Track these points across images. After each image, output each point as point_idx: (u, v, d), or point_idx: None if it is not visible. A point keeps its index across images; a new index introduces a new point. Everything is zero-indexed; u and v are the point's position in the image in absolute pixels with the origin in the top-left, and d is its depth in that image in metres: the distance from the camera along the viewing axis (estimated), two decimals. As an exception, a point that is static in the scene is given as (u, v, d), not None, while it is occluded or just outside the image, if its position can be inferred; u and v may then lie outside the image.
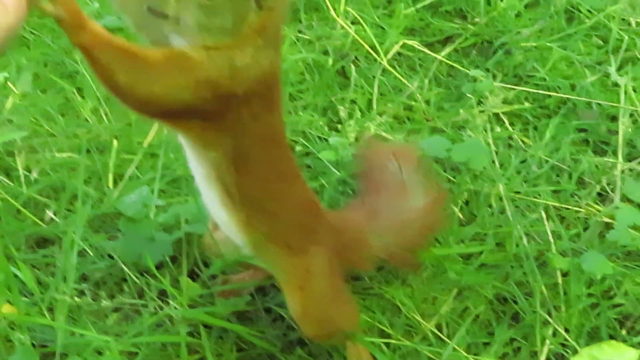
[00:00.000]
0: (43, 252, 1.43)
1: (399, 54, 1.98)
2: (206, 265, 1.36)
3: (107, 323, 1.29)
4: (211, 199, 1.06)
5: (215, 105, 0.94)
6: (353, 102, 1.83)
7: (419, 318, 1.32)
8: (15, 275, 1.26)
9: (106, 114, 1.76)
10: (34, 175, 1.59)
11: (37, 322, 1.21)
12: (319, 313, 1.12)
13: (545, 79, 1.89)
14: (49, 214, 1.51)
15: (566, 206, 1.56)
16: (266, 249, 1.10)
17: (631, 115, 1.77)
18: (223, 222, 1.10)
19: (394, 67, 1.92)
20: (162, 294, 1.33)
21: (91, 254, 1.41)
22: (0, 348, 1.16)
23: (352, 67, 1.91)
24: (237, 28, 0.89)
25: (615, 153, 1.69)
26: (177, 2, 0.86)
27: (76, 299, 1.30)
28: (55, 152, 1.64)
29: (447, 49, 1.99)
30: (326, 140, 1.71)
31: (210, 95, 0.92)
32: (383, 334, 1.30)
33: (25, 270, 1.27)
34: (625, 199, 1.57)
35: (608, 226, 1.50)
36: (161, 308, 1.29)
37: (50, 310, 1.30)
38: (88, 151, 1.63)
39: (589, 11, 2.10)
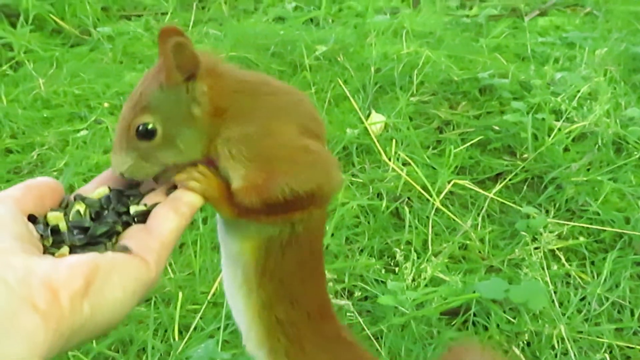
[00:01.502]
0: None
1: (451, 192, 2.03)
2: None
3: None
4: (233, 277, 0.98)
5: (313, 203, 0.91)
6: (408, 243, 1.87)
7: None
8: None
9: (170, 265, 1.83)
10: (104, 329, 1.64)
11: None
12: None
13: (598, 213, 1.91)
14: (118, 368, 1.55)
15: (630, 345, 1.55)
16: (274, 339, 1.00)
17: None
18: (239, 304, 1.00)
19: (446, 206, 1.97)
20: None
21: (159, 409, 1.44)
22: None
23: (406, 208, 1.96)
24: (199, 134, 0.87)
25: (676, 287, 1.68)
26: (146, 166, 0.85)
27: None
28: (124, 305, 1.70)
29: (498, 186, 2.03)
30: (384, 283, 1.74)
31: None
32: None
33: None
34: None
35: (676, 365, 1.48)
36: None
37: None
38: (154, 303, 1.68)
39: (637, 142, 2.13)
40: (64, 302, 0.64)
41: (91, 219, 0.78)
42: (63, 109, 2.44)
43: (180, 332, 1.65)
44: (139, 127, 0.84)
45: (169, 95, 0.84)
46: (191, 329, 1.64)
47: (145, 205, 0.80)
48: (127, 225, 0.78)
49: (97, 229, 0.77)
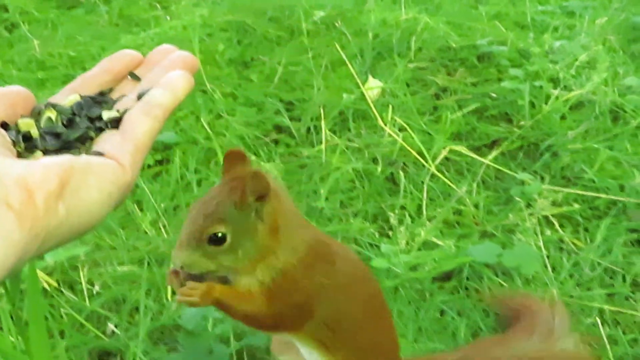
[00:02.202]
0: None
1: (447, 158, 2.02)
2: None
3: None
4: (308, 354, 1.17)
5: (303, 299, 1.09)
6: (403, 208, 1.87)
7: None
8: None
9: (164, 226, 1.83)
10: (97, 288, 1.65)
11: None
12: None
13: (593, 181, 1.91)
14: (111, 326, 1.56)
15: (621, 310, 1.55)
16: None
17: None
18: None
19: (442, 172, 1.97)
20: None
21: (151, 366, 1.45)
22: None
23: (401, 173, 1.96)
24: (258, 246, 1.04)
25: (669, 254, 1.69)
26: (207, 263, 1.03)
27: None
28: (117, 265, 1.70)
29: (494, 153, 2.03)
30: (377, 246, 1.75)
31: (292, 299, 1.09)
32: None
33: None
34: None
35: (666, 330, 1.49)
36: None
37: None
38: (147, 263, 1.69)
39: (634, 111, 2.13)
40: (39, 203, 0.63)
41: (63, 125, 0.77)
42: (58, 71, 2.43)
43: (172, 292, 1.65)
44: (212, 234, 1.00)
45: (241, 212, 1.01)
46: (184, 288, 1.64)
47: (118, 111, 0.79)
48: (100, 131, 0.77)
49: (70, 134, 0.76)
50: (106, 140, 0.75)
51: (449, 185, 1.93)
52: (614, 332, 1.49)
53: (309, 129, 2.13)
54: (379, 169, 1.98)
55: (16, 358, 1.11)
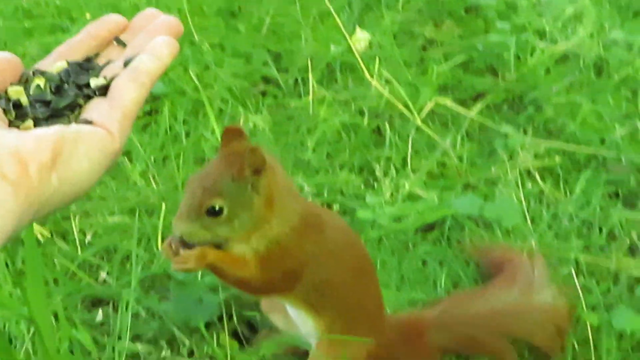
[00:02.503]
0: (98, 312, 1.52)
1: (432, 111, 2.05)
2: (250, 325, 1.44)
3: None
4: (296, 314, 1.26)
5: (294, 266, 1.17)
6: (388, 160, 1.91)
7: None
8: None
9: (154, 177, 1.87)
10: (88, 238, 1.69)
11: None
12: None
13: (575, 134, 1.95)
14: (103, 275, 1.60)
15: (597, 260, 1.61)
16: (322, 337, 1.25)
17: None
18: (304, 326, 1.26)
19: (427, 125, 2.00)
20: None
21: (144, 314, 1.49)
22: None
23: (387, 126, 1.99)
24: (253, 216, 1.11)
25: (645, 206, 1.74)
26: (205, 233, 1.11)
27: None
28: (108, 215, 1.74)
29: (479, 105, 2.06)
30: (363, 198, 1.79)
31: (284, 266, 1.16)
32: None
33: (84, 333, 1.35)
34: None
35: (638, 280, 1.55)
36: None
37: (106, 368, 1.39)
38: (137, 214, 1.72)
39: (618, 64, 2.16)
40: (33, 174, 0.66)
41: (52, 92, 0.79)
42: (45, 20, 2.42)
43: (163, 242, 1.69)
44: (210, 207, 1.08)
45: (238, 185, 1.09)
46: (174, 238, 1.68)
47: (105, 78, 0.81)
48: (88, 98, 0.80)
49: (59, 102, 0.78)
50: (94, 108, 0.78)
51: (434, 138, 1.96)
52: (588, 282, 1.55)
53: (296, 81, 2.15)
54: (365, 121, 2.01)
55: (14, 307, 1.15)
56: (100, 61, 0.86)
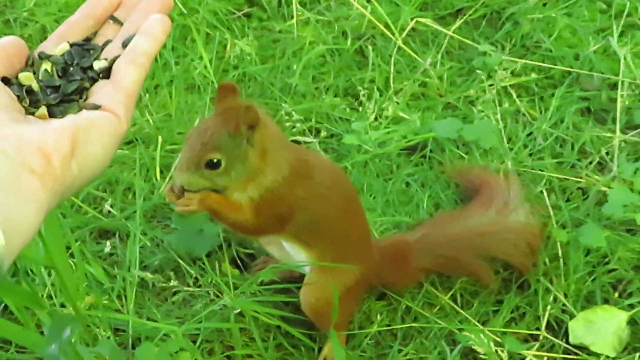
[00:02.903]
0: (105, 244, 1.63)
1: (413, 29, 2.11)
2: (249, 253, 1.57)
3: (169, 307, 1.50)
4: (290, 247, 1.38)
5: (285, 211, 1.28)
6: (372, 81, 1.99)
7: (436, 292, 1.52)
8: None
9: (147, 107, 1.94)
10: (90, 171, 1.78)
11: (117, 317, 1.43)
12: (317, 309, 1.39)
13: (551, 50, 2.03)
14: (107, 207, 1.70)
15: (567, 177, 1.73)
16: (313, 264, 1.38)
17: (630, 85, 1.90)
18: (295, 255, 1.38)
19: (408, 44, 2.07)
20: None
21: (149, 244, 1.61)
22: (86, 338, 1.38)
23: (369, 47, 2.05)
24: (248, 168, 1.21)
25: (615, 121, 1.84)
26: (204, 183, 1.23)
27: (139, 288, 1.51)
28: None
29: (458, 22, 2.12)
30: (348, 120, 1.88)
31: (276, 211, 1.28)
32: (407, 307, 1.51)
33: (97, 267, 1.47)
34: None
35: (606, 195, 1.67)
36: (215, 294, 1.50)
37: (119, 297, 1.52)
38: (133, 143, 1.81)
39: (595, -25, 2.20)
40: (56, 165, 0.73)
41: (59, 76, 0.86)
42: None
43: (161, 172, 1.79)
44: (209, 160, 1.19)
45: (234, 140, 1.19)
46: (172, 169, 1.78)
47: (106, 59, 0.87)
48: (93, 80, 0.86)
49: (68, 86, 0.84)
50: (100, 92, 0.84)
51: (415, 58, 2.03)
52: (560, 200, 1.67)
53: (280, 2, 2.19)
54: (349, 43, 2.07)
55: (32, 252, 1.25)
56: (99, 40, 0.92)
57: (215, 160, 1.19)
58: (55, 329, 1.05)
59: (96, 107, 0.82)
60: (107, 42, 0.91)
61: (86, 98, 0.85)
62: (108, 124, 0.80)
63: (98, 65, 0.87)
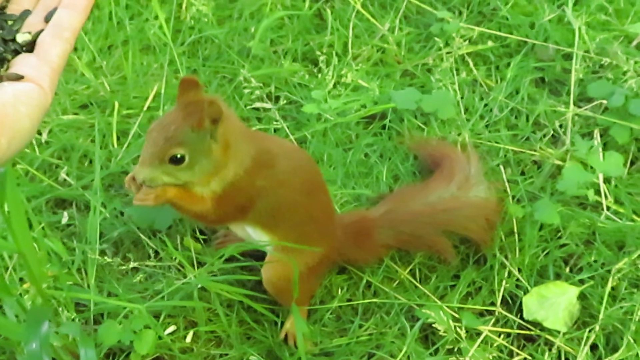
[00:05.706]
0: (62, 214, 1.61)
1: (371, -9, 2.10)
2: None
3: (131, 281, 1.50)
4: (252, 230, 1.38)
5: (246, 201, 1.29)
6: (330, 46, 1.98)
7: (396, 267, 1.55)
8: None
9: (100, 68, 1.89)
10: (44, 137, 1.74)
11: (81, 297, 1.42)
12: (278, 286, 1.41)
13: (507, 18, 2.04)
14: (62, 175, 1.67)
15: (523, 150, 1.76)
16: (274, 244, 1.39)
17: (584, 57, 1.93)
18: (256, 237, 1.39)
19: (366, 8, 2.05)
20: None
21: (108, 215, 1.59)
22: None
23: (328, 10, 2.03)
24: (212, 163, 1.21)
25: (569, 93, 1.87)
26: (167, 179, 1.22)
27: (100, 258, 1.50)
28: (61, 113, 1.78)
29: (416, -15, 2.11)
30: (307, 86, 1.87)
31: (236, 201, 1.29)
32: (367, 282, 1.54)
33: (56, 240, 1.45)
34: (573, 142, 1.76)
35: (560, 168, 1.71)
36: (177, 269, 1.50)
37: (79, 270, 1.51)
38: (88, 108, 1.77)
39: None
40: None
41: None
42: None
43: (118, 138, 1.76)
44: (173, 156, 1.18)
45: (198, 134, 1.18)
46: (129, 136, 1.75)
47: (30, 33, 0.87)
48: (15, 53, 0.86)
49: None
50: (23, 64, 0.84)
51: (374, 23, 2.02)
52: (515, 174, 1.71)
53: (236, -41, 2.14)
54: (307, 5, 2.05)
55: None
56: (13, 9, 0.90)
57: (179, 156, 1.19)
58: (32, 325, 1.03)
59: (19, 78, 0.81)
60: (25, 12, 0.90)
61: (7, 69, 0.84)
62: (35, 97, 0.81)
63: (22, 38, 0.86)
